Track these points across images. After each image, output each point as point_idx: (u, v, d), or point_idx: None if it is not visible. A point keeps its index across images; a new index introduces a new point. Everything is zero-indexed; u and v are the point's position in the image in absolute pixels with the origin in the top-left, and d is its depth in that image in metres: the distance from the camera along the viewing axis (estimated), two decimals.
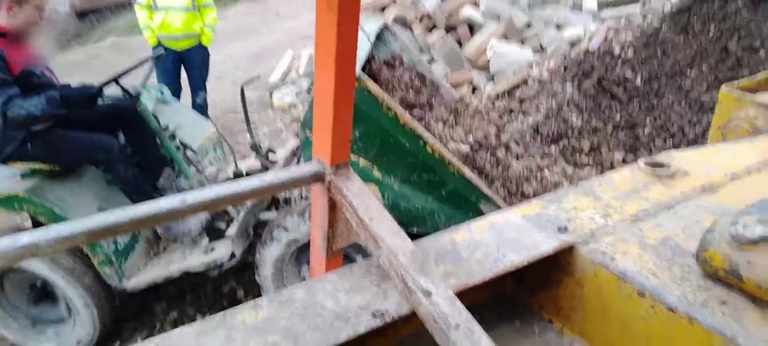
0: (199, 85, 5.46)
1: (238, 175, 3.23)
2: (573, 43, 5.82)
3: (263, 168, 3.27)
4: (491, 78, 6.15)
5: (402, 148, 2.49)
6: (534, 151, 3.97)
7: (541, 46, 6.28)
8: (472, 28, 6.62)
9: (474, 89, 6.07)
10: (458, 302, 0.78)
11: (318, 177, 1.08)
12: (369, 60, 3.06)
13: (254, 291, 3.33)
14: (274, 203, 3.30)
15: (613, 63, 5.01)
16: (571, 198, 1.13)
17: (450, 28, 6.65)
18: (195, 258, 3.00)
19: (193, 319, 3.39)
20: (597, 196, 1.13)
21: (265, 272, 2.93)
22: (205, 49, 5.41)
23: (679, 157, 1.25)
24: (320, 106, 1.05)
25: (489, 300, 1.12)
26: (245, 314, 0.84)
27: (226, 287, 3.61)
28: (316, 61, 1.02)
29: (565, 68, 5.17)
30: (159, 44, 5.10)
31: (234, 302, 3.48)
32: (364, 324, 0.81)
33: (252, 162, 3.64)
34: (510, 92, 5.62)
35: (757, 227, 0.78)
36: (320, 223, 1.16)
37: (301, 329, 0.80)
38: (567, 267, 0.98)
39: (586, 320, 0.96)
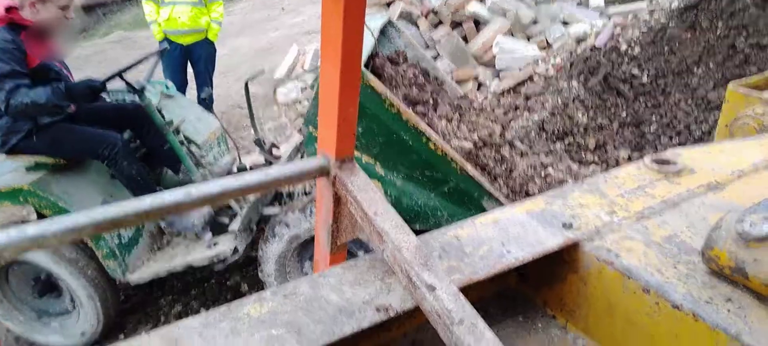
0: (204, 80, 5.47)
1: (242, 170, 3.24)
2: (579, 40, 5.79)
3: (267, 163, 3.28)
4: (497, 74, 6.13)
5: (405, 145, 2.49)
6: (539, 149, 3.96)
7: (548, 43, 6.26)
8: (478, 24, 6.60)
9: (479, 86, 6.05)
10: (462, 297, 0.77)
11: (323, 171, 1.08)
12: (372, 56, 3.06)
13: (258, 286, 3.34)
14: (277, 198, 3.30)
15: (619, 60, 4.98)
16: (576, 195, 1.13)
17: (455, 24, 6.63)
18: (198, 253, 3.01)
19: (197, 313, 3.40)
20: (602, 193, 1.13)
21: (268, 268, 2.94)
22: (212, 44, 5.41)
23: (685, 155, 1.25)
24: (326, 99, 1.04)
25: (493, 296, 1.12)
26: (250, 306, 0.84)
27: (231, 282, 3.63)
28: (322, 54, 1.02)
29: (571, 65, 5.14)
30: (165, 39, 5.11)
31: (238, 296, 3.48)
32: (368, 318, 0.81)
33: (256, 157, 3.65)
34: (515, 89, 5.60)
35: (764, 225, 0.77)
36: (325, 217, 1.16)
37: (304, 322, 0.80)
38: (571, 264, 0.98)
39: (590, 316, 0.96)
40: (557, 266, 1.01)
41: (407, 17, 6.66)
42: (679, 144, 4.31)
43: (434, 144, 2.47)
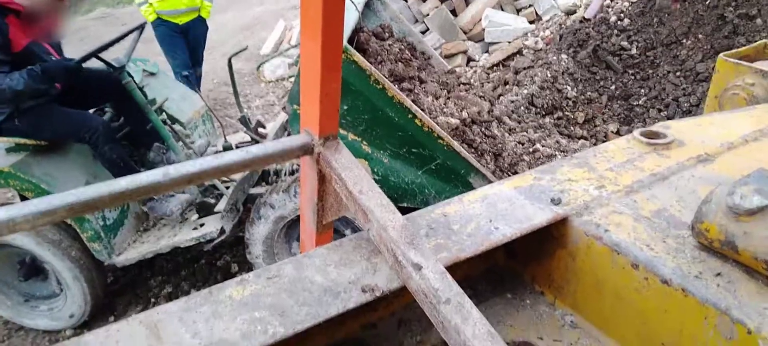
0: (199, 59, 5.33)
1: (227, 149, 3.19)
2: (569, 12, 5.73)
3: (253, 142, 3.23)
4: (486, 49, 6.08)
5: (391, 122, 2.45)
6: (528, 123, 3.94)
7: (537, 15, 6.19)
8: None
9: (469, 60, 6.00)
10: (449, 277, 0.76)
11: (306, 149, 1.05)
12: (357, 31, 2.99)
13: (249, 266, 3.33)
14: (264, 178, 3.26)
15: (608, 32, 4.95)
16: (564, 169, 1.11)
17: None
18: (184, 234, 2.98)
19: (187, 294, 3.39)
20: (591, 167, 1.11)
21: (256, 250, 2.92)
22: (204, 21, 5.27)
23: (675, 127, 1.23)
24: (307, 76, 1.01)
25: (481, 273, 1.11)
26: (232, 289, 0.82)
27: (221, 262, 3.61)
28: (301, 29, 0.98)
29: (561, 37, 5.10)
30: (158, 19, 4.94)
31: (229, 276, 3.48)
32: (354, 299, 0.79)
33: (243, 136, 3.59)
34: (505, 63, 5.56)
35: (755, 197, 0.76)
36: (309, 196, 1.13)
37: (288, 304, 0.78)
38: (560, 239, 0.97)
39: (578, 292, 0.95)
40: (546, 242, 1.00)
41: None
42: (668, 117, 4.32)
43: (420, 121, 2.43)
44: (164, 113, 3.21)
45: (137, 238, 3.09)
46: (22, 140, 2.75)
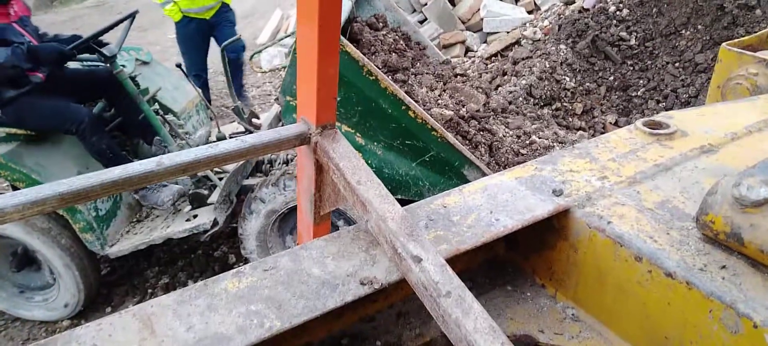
0: (235, 42, 5.20)
1: (220, 139, 3.15)
2: (568, 3, 5.69)
3: (247, 132, 3.19)
4: (484, 39, 6.04)
5: (384, 113, 2.43)
6: (525, 114, 3.92)
7: (536, 5, 6.15)
8: None
9: (467, 50, 5.96)
10: (449, 269, 0.74)
11: (303, 139, 1.03)
12: (350, 21, 2.95)
13: (246, 257, 3.31)
14: (258, 169, 3.24)
15: (607, 22, 4.92)
16: (566, 160, 1.09)
17: None
18: (177, 225, 2.95)
19: (184, 284, 3.37)
20: (593, 157, 1.09)
21: (250, 245, 2.90)
22: (230, 8, 5.14)
23: (677, 118, 1.21)
24: (304, 63, 0.98)
25: (481, 265, 1.09)
26: (227, 281, 0.80)
27: (218, 252, 3.59)
28: (298, 13, 0.95)
29: (560, 27, 5.07)
30: (184, 17, 4.83)
31: (225, 267, 3.46)
32: (352, 292, 0.78)
33: (236, 126, 3.56)
34: (503, 53, 5.52)
35: (762, 189, 0.74)
36: (306, 186, 1.11)
37: (285, 297, 0.76)
38: (562, 231, 0.95)
39: (580, 285, 0.94)
40: (547, 234, 0.98)
41: None
42: (666, 108, 4.30)
43: (414, 112, 2.41)
44: (157, 103, 3.17)
45: (130, 229, 3.06)
46: (13, 130, 2.71)
